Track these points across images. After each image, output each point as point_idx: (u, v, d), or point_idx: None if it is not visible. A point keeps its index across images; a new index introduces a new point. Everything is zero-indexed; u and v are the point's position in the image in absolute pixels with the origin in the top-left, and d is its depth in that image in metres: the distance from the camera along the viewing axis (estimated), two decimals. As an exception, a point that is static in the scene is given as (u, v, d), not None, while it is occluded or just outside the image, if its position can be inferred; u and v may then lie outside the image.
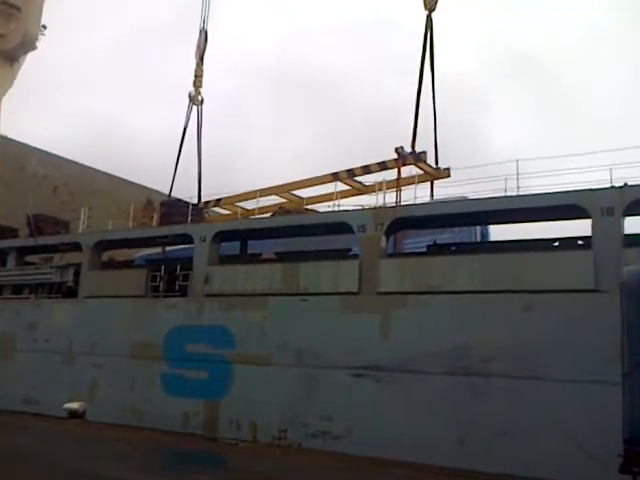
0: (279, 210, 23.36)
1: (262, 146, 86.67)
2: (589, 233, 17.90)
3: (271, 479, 15.60)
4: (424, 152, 26.15)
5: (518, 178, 18.62)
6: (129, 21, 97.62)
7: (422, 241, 24.52)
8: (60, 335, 26.24)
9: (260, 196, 30.16)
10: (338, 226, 21.41)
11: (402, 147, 25.21)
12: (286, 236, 24.02)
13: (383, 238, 20.33)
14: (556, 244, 19.52)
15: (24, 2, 36.14)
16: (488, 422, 16.99)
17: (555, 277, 17.03)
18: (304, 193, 29.67)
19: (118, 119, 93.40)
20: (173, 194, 33.57)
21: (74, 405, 23.79)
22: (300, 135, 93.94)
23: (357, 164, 27.52)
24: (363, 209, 21.57)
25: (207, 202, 32.30)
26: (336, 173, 27.81)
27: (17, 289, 29.85)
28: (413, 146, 26.03)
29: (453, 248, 21.91)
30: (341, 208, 24.00)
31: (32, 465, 15.03)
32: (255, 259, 24.97)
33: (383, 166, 26.23)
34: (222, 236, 24.00)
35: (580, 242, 19.12)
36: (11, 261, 30.46)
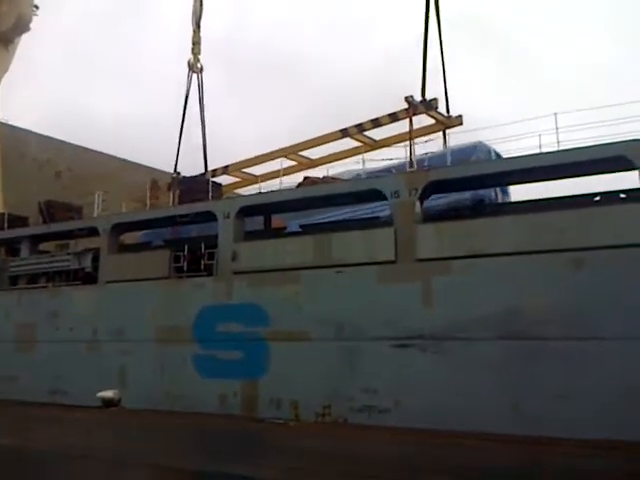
0: (304, 181, 22.55)
1: (224, 127, 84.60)
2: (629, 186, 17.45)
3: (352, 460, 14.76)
4: (435, 99, 25.44)
5: (557, 132, 17.91)
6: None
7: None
8: (83, 323, 25.62)
9: (267, 160, 29.50)
10: (369, 193, 20.74)
11: (412, 96, 24.39)
12: (313, 207, 23.32)
13: (417, 203, 19.66)
14: (597, 199, 18.91)
15: (15, -17, 35.07)
16: (544, 386, 16.58)
17: (607, 232, 16.40)
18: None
19: (84, 102, 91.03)
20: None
21: (108, 393, 23.15)
22: (258, 113, 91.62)
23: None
24: (395, 174, 20.82)
25: (214, 170, 31.67)
26: (345, 129, 27.11)
27: (32, 278, 29.11)
28: (423, 94, 25.34)
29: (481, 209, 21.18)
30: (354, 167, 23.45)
31: (94, 462, 14.32)
32: (280, 233, 24.31)
33: (394, 117, 25.56)
34: (246, 211, 23.26)
35: (622, 196, 18.55)
36: (24, 250, 29.67)
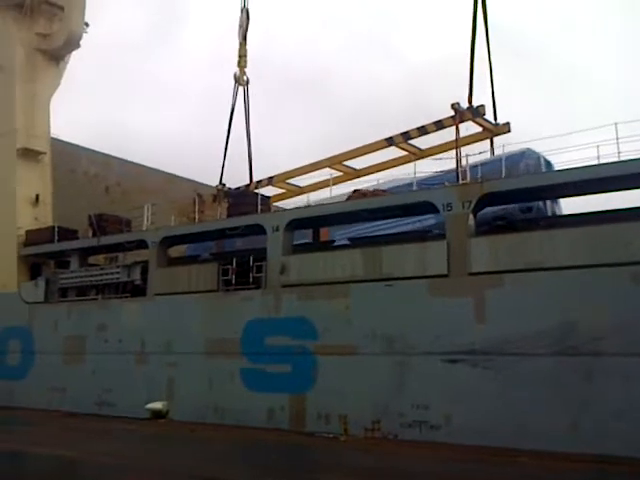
0: (354, 194, 22.38)
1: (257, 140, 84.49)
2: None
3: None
4: (482, 105, 25.04)
5: (618, 143, 17.42)
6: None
7: None
8: (132, 335, 25.82)
9: (312, 170, 29.37)
10: (421, 206, 20.50)
11: (458, 103, 24.03)
12: (363, 220, 23.12)
13: (471, 216, 19.32)
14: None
15: (67, 2, 35.68)
16: (603, 403, 16.02)
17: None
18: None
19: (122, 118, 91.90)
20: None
21: (157, 405, 23.28)
22: (291, 129, 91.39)
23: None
24: (448, 186, 20.49)
25: (259, 181, 31.75)
26: (390, 138, 26.86)
27: (81, 290, 29.50)
28: (470, 101, 25.00)
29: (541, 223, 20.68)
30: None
31: (164, 474, 14.36)
32: (329, 246, 24.15)
33: (440, 125, 25.23)
34: (295, 224, 23.18)
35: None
36: (74, 263, 30.12)
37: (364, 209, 21.79)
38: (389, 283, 19.96)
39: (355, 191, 22.44)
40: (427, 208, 20.27)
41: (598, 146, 17.99)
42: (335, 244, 25.04)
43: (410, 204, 20.96)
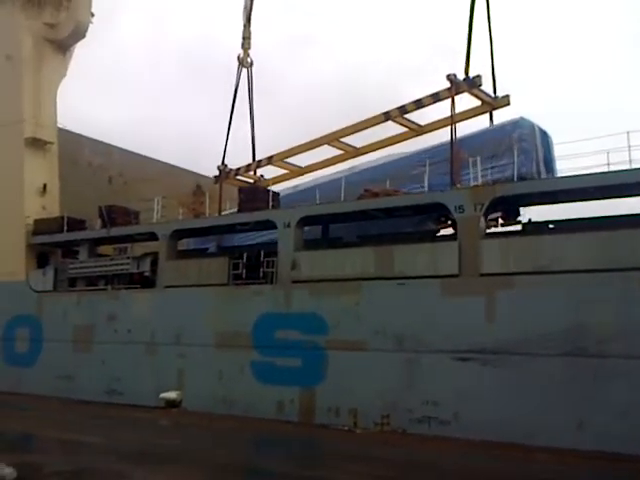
0: (366, 193, 22.75)
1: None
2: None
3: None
4: (479, 76, 23.96)
5: (630, 150, 17.97)
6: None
7: None
8: (142, 325, 26.19)
9: (311, 148, 29.55)
10: (432, 207, 20.96)
11: (454, 74, 23.46)
12: (373, 219, 23.54)
13: (482, 219, 19.81)
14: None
15: (74, -9, 35.66)
16: (608, 403, 16.62)
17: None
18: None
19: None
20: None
21: (171, 395, 23.74)
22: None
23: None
24: (460, 188, 20.95)
25: (259, 161, 31.88)
26: (387, 112, 26.66)
27: (89, 280, 29.83)
28: (467, 72, 24.09)
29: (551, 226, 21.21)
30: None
31: (203, 464, 14.70)
32: (339, 243, 24.60)
33: (436, 97, 24.40)
34: (306, 221, 23.63)
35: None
36: (83, 253, 30.43)
37: (375, 208, 22.30)
38: (401, 282, 20.42)
39: (366, 190, 22.80)
40: (439, 209, 20.71)
41: (608, 152, 18.53)
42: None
43: (422, 205, 21.45)
